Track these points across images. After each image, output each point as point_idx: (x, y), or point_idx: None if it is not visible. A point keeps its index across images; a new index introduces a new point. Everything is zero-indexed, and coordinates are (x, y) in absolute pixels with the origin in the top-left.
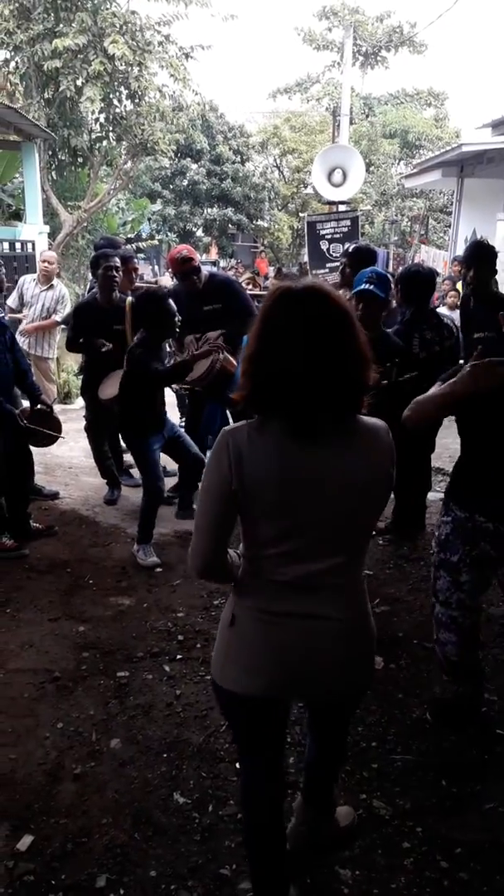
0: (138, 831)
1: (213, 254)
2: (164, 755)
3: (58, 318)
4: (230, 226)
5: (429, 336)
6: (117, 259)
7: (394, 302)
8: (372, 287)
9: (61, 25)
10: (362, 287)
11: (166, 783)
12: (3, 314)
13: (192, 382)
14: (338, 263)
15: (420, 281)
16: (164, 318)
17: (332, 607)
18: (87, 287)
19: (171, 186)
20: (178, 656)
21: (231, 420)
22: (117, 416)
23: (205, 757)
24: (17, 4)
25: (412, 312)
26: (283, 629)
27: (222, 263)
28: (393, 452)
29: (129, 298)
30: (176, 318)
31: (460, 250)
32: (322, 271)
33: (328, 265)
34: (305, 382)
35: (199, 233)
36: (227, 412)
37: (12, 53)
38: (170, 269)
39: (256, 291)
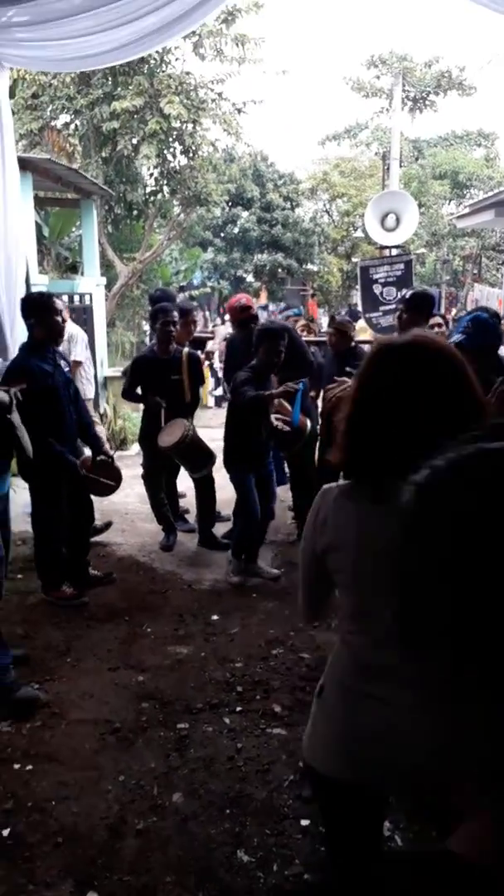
0: (203, 891)
1: (263, 299)
2: (227, 811)
3: (73, 357)
4: (280, 270)
5: (493, 378)
6: (175, 314)
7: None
8: (462, 339)
9: (119, 89)
10: (453, 341)
11: (230, 840)
12: (67, 368)
13: None
14: (392, 307)
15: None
16: (273, 353)
17: (419, 699)
18: (147, 336)
19: (223, 234)
20: (238, 708)
21: (286, 465)
22: (174, 463)
23: (268, 813)
24: (78, 72)
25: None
26: (363, 711)
27: (271, 307)
28: None
29: (186, 349)
30: (281, 358)
31: None
32: (375, 314)
33: (381, 308)
34: (404, 448)
35: (250, 278)
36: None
37: (73, 117)
38: (228, 316)
39: (312, 338)
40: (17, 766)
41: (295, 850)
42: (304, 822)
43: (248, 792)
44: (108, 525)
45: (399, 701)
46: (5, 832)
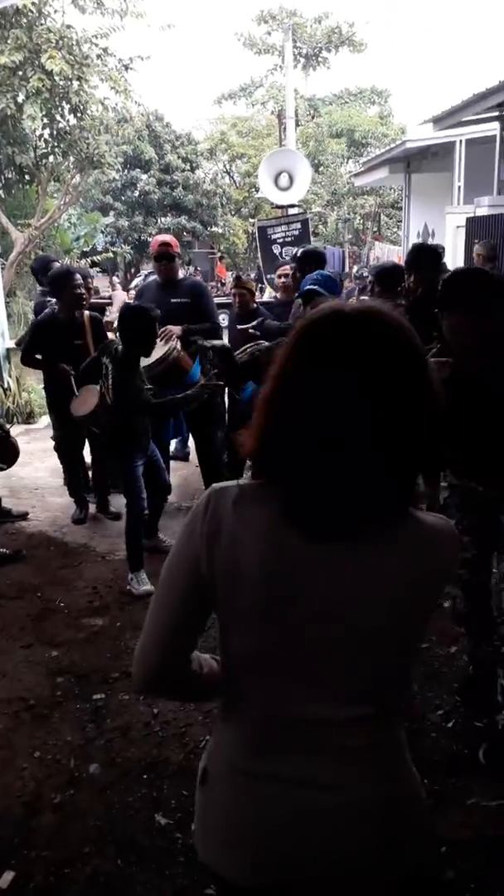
0: (122, 857)
1: None
2: (144, 776)
3: None
4: (185, 234)
5: None
6: (79, 276)
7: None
8: (317, 287)
9: None
10: (307, 288)
11: (148, 805)
12: None
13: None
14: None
15: (396, 273)
16: (148, 336)
17: (345, 775)
18: (34, 305)
19: (123, 198)
20: None
21: (184, 424)
22: (93, 432)
23: (185, 775)
24: None
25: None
26: (269, 798)
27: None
28: (453, 568)
29: (87, 312)
30: (156, 339)
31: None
32: (275, 274)
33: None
34: (333, 450)
35: None
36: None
37: None
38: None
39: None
40: None
41: None
42: None
43: (164, 756)
44: (24, 515)
45: (328, 782)
46: None
